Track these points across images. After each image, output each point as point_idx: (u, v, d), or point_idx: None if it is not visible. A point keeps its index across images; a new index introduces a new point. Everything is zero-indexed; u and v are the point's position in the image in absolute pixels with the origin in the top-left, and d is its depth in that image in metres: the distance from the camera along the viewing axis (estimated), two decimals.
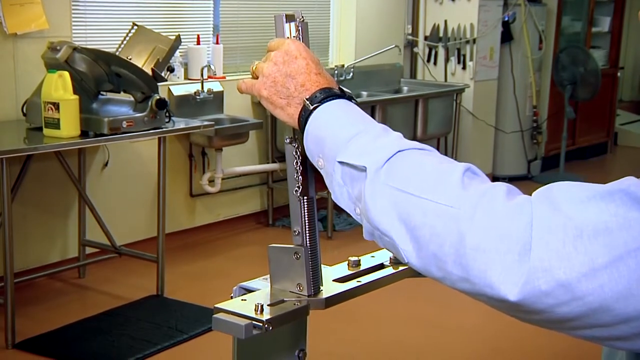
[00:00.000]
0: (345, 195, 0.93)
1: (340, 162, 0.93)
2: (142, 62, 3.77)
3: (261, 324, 1.01)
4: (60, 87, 3.48)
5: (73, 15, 4.16)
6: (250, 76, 1.07)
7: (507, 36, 6.48)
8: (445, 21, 6.31)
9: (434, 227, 0.82)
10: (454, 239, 0.80)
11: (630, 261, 0.73)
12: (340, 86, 1.02)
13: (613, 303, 0.73)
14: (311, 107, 0.98)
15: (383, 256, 1.25)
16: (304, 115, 0.98)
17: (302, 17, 1.06)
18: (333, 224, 5.10)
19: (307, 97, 0.98)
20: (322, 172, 0.97)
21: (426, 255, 0.83)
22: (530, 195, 0.85)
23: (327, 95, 0.98)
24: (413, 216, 0.84)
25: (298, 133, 1.02)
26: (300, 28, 1.05)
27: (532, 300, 0.76)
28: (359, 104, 1.01)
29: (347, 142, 0.93)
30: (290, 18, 1.04)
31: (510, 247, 0.76)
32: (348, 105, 0.98)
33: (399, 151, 0.89)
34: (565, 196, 0.79)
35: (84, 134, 3.57)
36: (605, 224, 0.74)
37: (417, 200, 0.84)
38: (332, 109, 0.97)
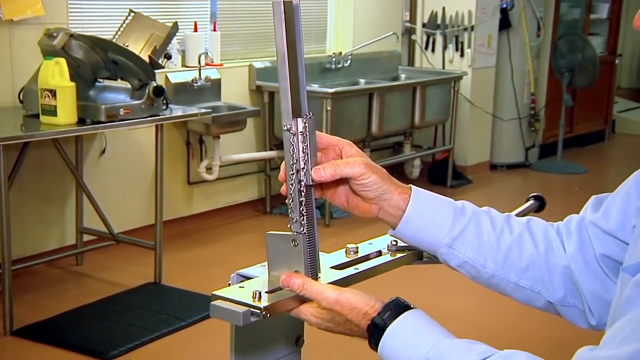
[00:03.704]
0: None
1: None
2: (139, 49, 3.76)
3: (259, 311, 1.01)
4: (57, 74, 3.47)
5: (69, 2, 4.13)
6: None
7: (505, 23, 6.46)
8: (444, 8, 6.29)
9: None
10: None
11: None
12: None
13: None
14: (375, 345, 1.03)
15: (381, 243, 1.26)
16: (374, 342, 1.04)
17: (310, 113, 1.07)
18: (331, 212, 5.10)
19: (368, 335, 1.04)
20: None
21: None
22: None
23: (381, 330, 1.02)
24: None
25: None
26: (307, 124, 1.06)
27: None
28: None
29: None
30: (288, 6, 1.03)
31: None
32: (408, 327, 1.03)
33: None
34: None
35: (81, 121, 3.56)
36: None
37: None
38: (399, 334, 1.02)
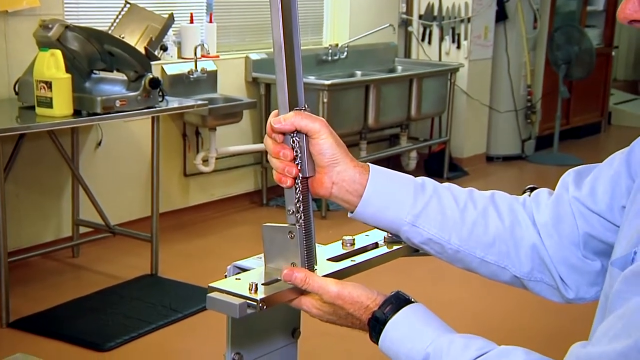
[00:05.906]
0: None
1: None
2: (135, 40, 3.75)
3: (255, 303, 1.01)
4: (52, 66, 3.46)
5: None
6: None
7: (501, 15, 6.45)
8: (440, 0, 6.28)
9: None
10: None
11: None
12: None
13: None
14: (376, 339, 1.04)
15: (377, 235, 1.25)
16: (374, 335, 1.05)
17: (307, 105, 1.07)
18: (327, 204, 5.10)
19: (369, 327, 1.05)
20: None
21: None
22: None
23: (383, 322, 1.03)
24: None
25: None
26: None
27: None
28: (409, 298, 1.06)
29: None
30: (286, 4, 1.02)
31: None
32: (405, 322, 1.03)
33: None
34: None
35: (77, 113, 3.55)
36: None
37: None
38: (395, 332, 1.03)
